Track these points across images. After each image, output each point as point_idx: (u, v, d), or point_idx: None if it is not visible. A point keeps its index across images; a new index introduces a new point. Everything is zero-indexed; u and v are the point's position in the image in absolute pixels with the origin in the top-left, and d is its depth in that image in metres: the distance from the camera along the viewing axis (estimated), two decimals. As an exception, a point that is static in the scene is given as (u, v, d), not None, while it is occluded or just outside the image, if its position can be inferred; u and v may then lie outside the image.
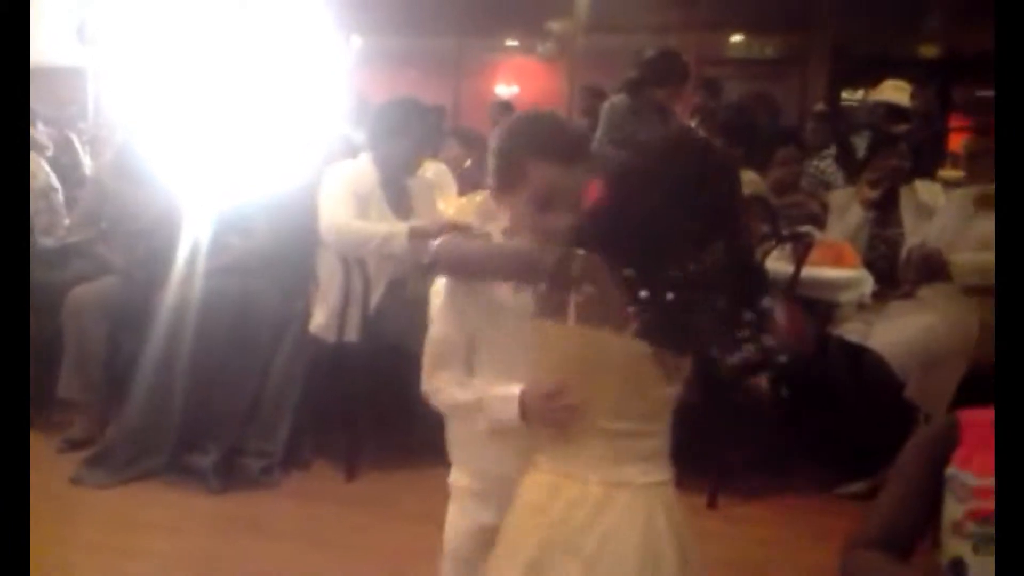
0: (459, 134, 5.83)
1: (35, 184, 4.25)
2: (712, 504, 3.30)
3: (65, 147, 5.84)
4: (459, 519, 1.76)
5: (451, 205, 4.27)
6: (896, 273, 3.82)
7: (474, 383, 1.66)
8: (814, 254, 3.62)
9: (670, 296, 1.46)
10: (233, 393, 3.53)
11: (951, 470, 1.50)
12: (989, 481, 1.44)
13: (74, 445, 3.64)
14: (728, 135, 4.58)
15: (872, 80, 7.00)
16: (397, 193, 3.64)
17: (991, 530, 1.43)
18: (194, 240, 3.60)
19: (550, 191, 1.62)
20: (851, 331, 3.64)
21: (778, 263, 3.63)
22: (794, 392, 3.91)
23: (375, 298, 3.54)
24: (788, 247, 3.72)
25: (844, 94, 10.02)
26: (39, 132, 5.55)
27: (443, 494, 1.79)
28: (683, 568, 1.54)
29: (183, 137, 3.91)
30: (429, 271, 1.76)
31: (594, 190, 1.65)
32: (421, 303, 1.76)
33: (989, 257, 3.07)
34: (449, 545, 1.77)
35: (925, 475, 1.54)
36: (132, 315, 3.65)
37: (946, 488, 1.51)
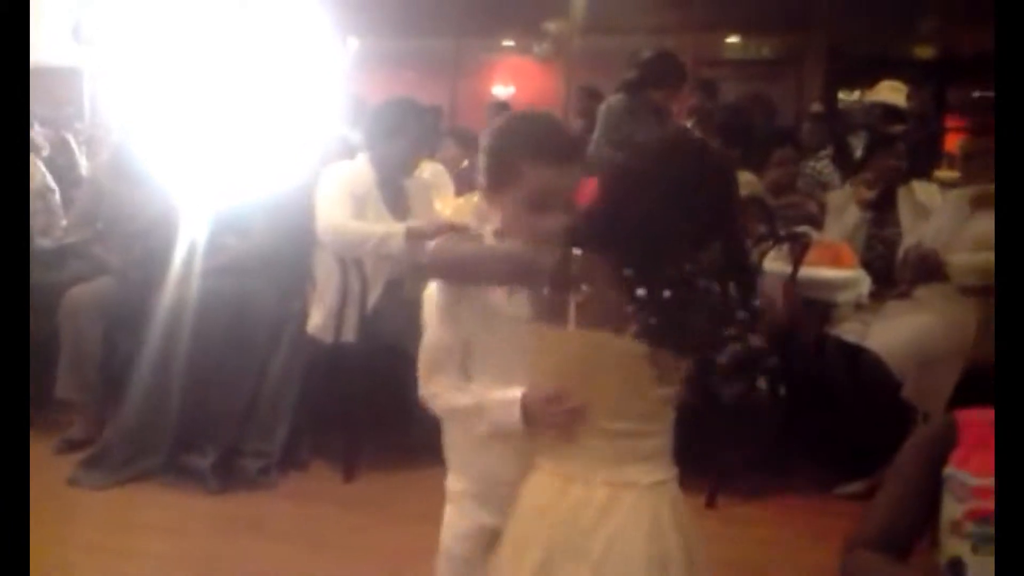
0: (456, 134, 5.83)
1: (32, 185, 4.25)
2: (711, 504, 3.31)
3: (61, 148, 5.83)
4: (458, 521, 1.75)
5: (448, 205, 4.27)
6: (893, 273, 3.83)
7: (472, 388, 1.64)
8: (811, 254, 3.63)
9: (668, 295, 1.47)
10: (230, 393, 3.52)
11: (949, 470, 1.51)
12: (987, 481, 1.45)
13: (71, 446, 3.64)
14: (725, 136, 4.59)
15: (868, 81, 7.02)
16: (394, 193, 3.64)
17: (989, 530, 1.43)
18: (191, 240, 3.59)
19: (543, 192, 1.61)
20: (849, 331, 3.65)
21: (775, 263, 3.64)
22: (792, 392, 3.92)
23: (372, 298, 3.54)
24: (785, 247, 3.73)
25: (840, 95, 10.03)
26: (35, 133, 5.54)
27: (441, 495, 1.78)
28: (690, 567, 1.55)
29: (179, 137, 3.91)
30: (424, 274, 1.75)
31: (592, 190, 1.65)
32: (418, 304, 1.74)
33: (985, 257, 3.08)
34: (446, 547, 1.76)
35: (923, 475, 1.54)
36: (129, 315, 3.65)
37: (944, 488, 1.51)
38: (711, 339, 1.57)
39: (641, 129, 4.51)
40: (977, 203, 3.59)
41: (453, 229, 2.97)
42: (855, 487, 3.44)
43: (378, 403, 3.54)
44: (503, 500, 1.64)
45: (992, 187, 3.50)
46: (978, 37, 8.85)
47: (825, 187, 5.24)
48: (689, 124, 5.34)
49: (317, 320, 3.63)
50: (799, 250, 3.60)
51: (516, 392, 1.58)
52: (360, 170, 3.60)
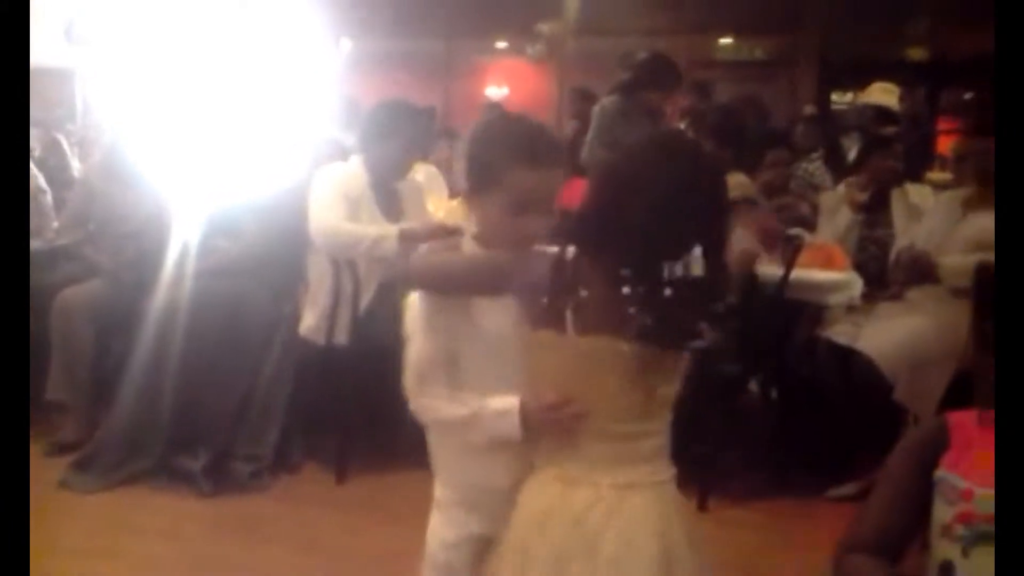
0: (449, 136, 5.83)
1: (24, 186, 4.23)
2: (703, 507, 3.30)
3: (53, 149, 5.81)
4: (446, 530, 1.73)
5: (441, 207, 4.27)
6: (886, 275, 3.84)
7: (466, 397, 1.62)
8: (804, 256, 3.63)
9: (669, 293, 1.47)
10: (222, 395, 3.52)
11: (940, 473, 1.51)
12: (977, 483, 1.45)
13: (62, 448, 3.62)
14: (717, 137, 4.59)
15: (861, 83, 7.04)
16: (387, 195, 3.64)
17: (980, 533, 1.43)
18: (183, 242, 3.59)
19: (525, 195, 1.60)
20: (840, 333, 3.65)
21: (768, 266, 3.64)
22: (783, 394, 3.93)
23: (365, 300, 3.54)
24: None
25: (833, 96, 10.07)
26: (27, 134, 5.53)
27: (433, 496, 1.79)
28: (695, 564, 1.57)
29: (172, 139, 3.90)
30: (406, 284, 1.73)
31: (580, 191, 1.65)
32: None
33: (977, 259, 3.08)
34: (432, 555, 1.74)
35: (915, 478, 1.54)
36: (120, 317, 3.64)
37: (935, 491, 1.51)
38: (695, 334, 1.57)
39: (635, 131, 4.51)
40: (969, 205, 3.60)
41: (446, 231, 2.98)
42: (847, 489, 3.45)
43: (370, 405, 3.54)
44: (493, 508, 1.64)
45: (983, 189, 3.53)
46: (970, 39, 8.89)
47: (817, 189, 5.26)
48: (682, 125, 5.35)
49: (310, 322, 3.62)
50: (791, 252, 3.60)
51: (513, 400, 1.57)
52: (353, 172, 3.60)
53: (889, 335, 3.51)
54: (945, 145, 7.38)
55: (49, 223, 4.36)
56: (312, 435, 3.72)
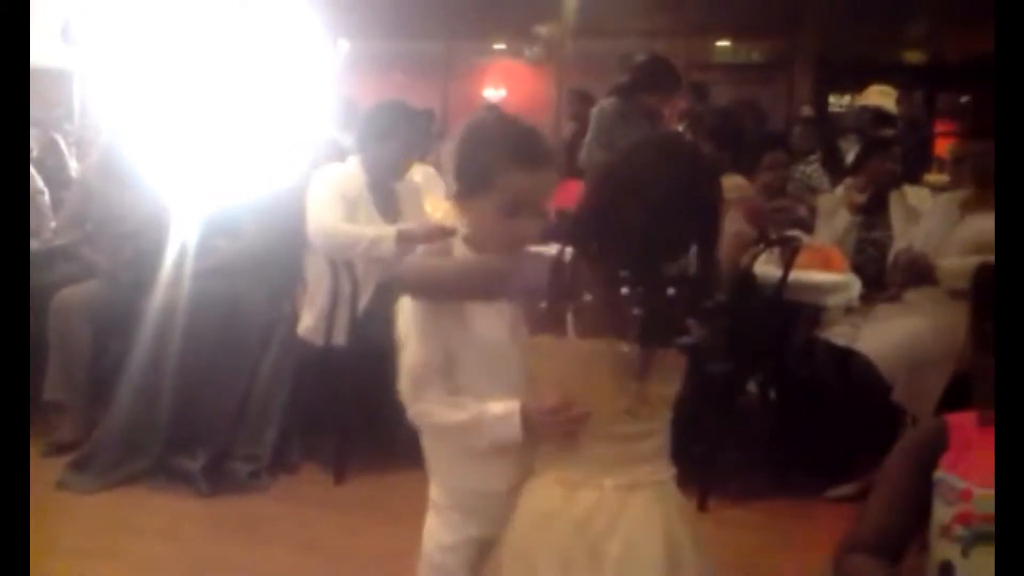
0: (448, 137, 5.83)
1: (21, 186, 4.23)
2: (702, 507, 3.30)
3: (51, 149, 5.81)
4: (443, 533, 1.71)
5: (439, 208, 4.27)
6: (884, 276, 3.84)
7: (464, 402, 1.61)
8: (802, 258, 3.63)
9: (671, 293, 1.47)
10: (220, 396, 3.51)
11: (939, 474, 1.51)
12: (976, 484, 1.45)
13: (60, 448, 3.61)
14: (715, 139, 4.59)
15: (858, 85, 7.06)
16: (385, 196, 3.64)
17: (979, 533, 1.43)
18: (181, 242, 3.59)
19: (518, 197, 1.59)
20: (839, 335, 3.65)
21: (766, 267, 3.64)
22: (782, 395, 3.94)
23: (363, 301, 3.53)
24: (776, 251, 3.74)
25: (831, 99, 10.08)
26: (25, 134, 5.52)
27: (432, 497, 1.79)
28: (701, 560, 1.58)
29: (170, 139, 3.90)
30: (397, 290, 1.71)
31: (583, 191, 1.65)
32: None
33: (975, 261, 3.09)
34: (429, 557, 1.73)
35: (914, 479, 1.54)
36: (118, 317, 3.64)
37: (934, 491, 1.51)
38: (682, 330, 1.57)
39: (633, 133, 4.52)
40: (967, 207, 3.60)
41: (444, 232, 2.98)
42: (845, 490, 3.45)
43: (368, 405, 3.54)
44: (490, 511, 1.64)
45: (981, 191, 3.54)
46: (967, 42, 8.91)
47: (815, 191, 5.27)
48: (680, 128, 5.35)
49: (308, 322, 3.62)
50: (790, 254, 3.61)
51: (514, 404, 1.57)
52: (351, 173, 3.60)
53: (887, 336, 3.51)
54: (942, 148, 7.40)
55: (47, 223, 4.35)
56: (311, 435, 3.71)
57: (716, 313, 1.55)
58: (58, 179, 5.16)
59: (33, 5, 2.12)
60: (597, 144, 4.79)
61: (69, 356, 3.70)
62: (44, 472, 3.39)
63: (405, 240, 3.33)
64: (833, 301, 3.69)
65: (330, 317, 3.54)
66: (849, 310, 3.77)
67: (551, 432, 1.57)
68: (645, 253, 1.50)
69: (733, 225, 3.51)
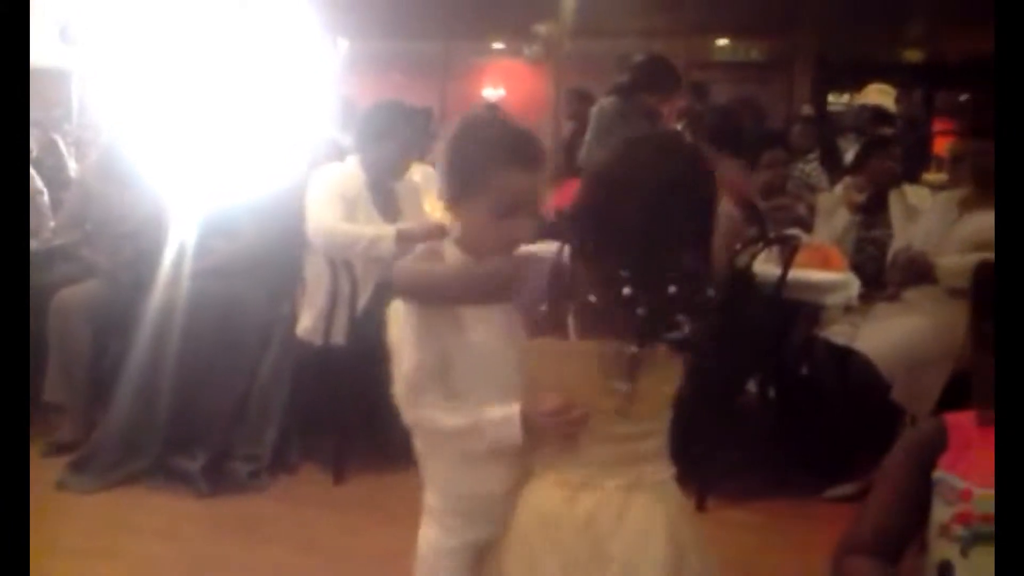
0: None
1: (21, 187, 4.23)
2: (701, 507, 3.31)
3: (50, 149, 5.80)
4: (441, 540, 1.69)
5: (438, 208, 4.26)
6: (883, 275, 3.85)
7: (464, 406, 1.60)
8: (801, 257, 3.63)
9: (673, 291, 1.47)
10: (220, 396, 3.51)
11: (939, 473, 1.51)
12: (976, 484, 1.45)
13: (59, 449, 3.61)
14: (715, 138, 4.59)
15: (857, 84, 7.06)
16: (384, 196, 3.64)
17: (978, 533, 1.43)
18: (180, 242, 3.59)
19: (513, 198, 1.58)
20: (838, 333, 3.66)
21: (765, 265, 3.64)
22: (781, 394, 3.94)
23: (362, 301, 3.53)
24: (775, 249, 3.74)
25: (830, 98, 10.08)
26: (23, 134, 5.51)
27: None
28: (704, 559, 1.58)
29: (169, 139, 3.90)
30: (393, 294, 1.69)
31: (580, 190, 1.65)
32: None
33: (974, 259, 3.09)
34: (426, 563, 1.71)
35: (913, 479, 1.54)
36: (117, 317, 3.64)
37: (934, 491, 1.51)
38: (674, 325, 1.56)
39: (633, 132, 4.52)
40: (965, 205, 3.60)
41: (443, 231, 2.98)
42: (844, 489, 3.45)
43: (367, 405, 3.53)
44: (487, 514, 1.63)
45: (980, 190, 3.54)
46: (966, 41, 8.91)
47: (813, 189, 5.27)
48: (679, 126, 5.35)
49: (307, 322, 3.62)
50: (789, 252, 3.61)
51: (514, 407, 1.56)
52: (350, 172, 3.60)
53: (886, 335, 3.51)
54: (941, 147, 7.40)
55: (46, 223, 4.35)
56: (310, 435, 3.71)
57: (710, 308, 1.54)
58: (57, 179, 5.15)
59: (32, 5, 2.12)
60: (597, 143, 4.78)
61: (68, 356, 3.70)
62: (44, 472, 3.39)
63: (404, 239, 3.33)
64: (832, 300, 3.69)
65: (329, 317, 3.54)
66: (848, 309, 3.77)
67: (552, 434, 1.56)
68: (642, 250, 1.50)
69: (723, 209, 3.51)
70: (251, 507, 3.33)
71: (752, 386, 3.95)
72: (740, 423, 3.86)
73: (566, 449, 1.57)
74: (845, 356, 3.55)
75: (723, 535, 3.07)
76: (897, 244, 3.88)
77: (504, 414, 1.56)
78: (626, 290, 1.47)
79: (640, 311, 1.47)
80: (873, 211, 4.20)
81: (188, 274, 3.54)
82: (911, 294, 3.65)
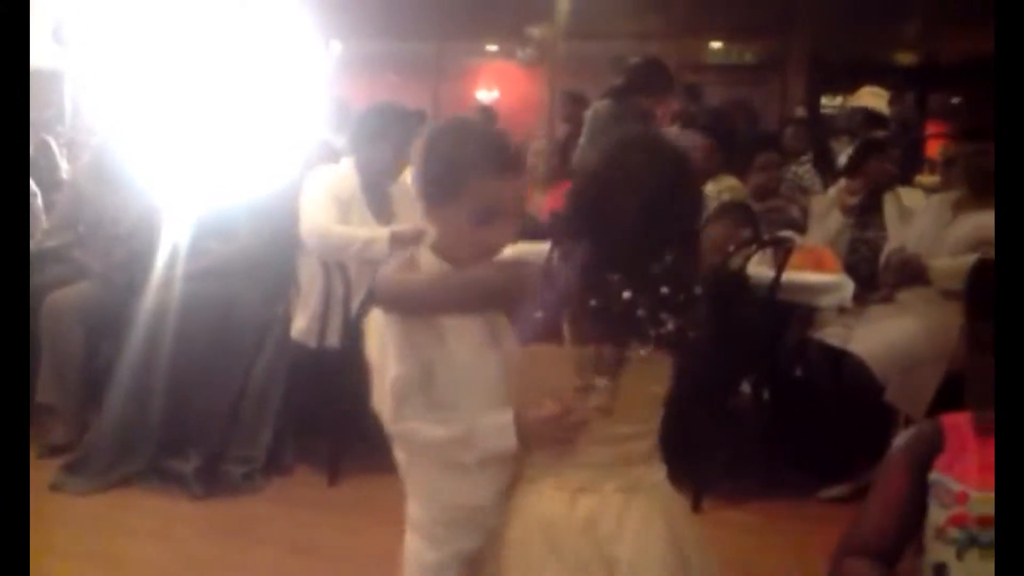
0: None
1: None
2: (696, 508, 3.31)
3: (43, 151, 5.78)
4: (429, 552, 1.65)
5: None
6: (877, 276, 3.86)
7: (451, 416, 1.57)
8: (794, 258, 3.64)
9: (665, 291, 1.47)
10: (213, 398, 3.50)
11: (934, 475, 1.51)
12: (971, 487, 1.45)
13: (53, 451, 3.60)
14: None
15: (850, 86, 7.08)
16: (378, 198, 3.64)
17: (974, 535, 1.44)
18: (173, 244, 3.58)
19: (493, 204, 1.56)
20: (832, 335, 3.66)
21: (759, 267, 3.65)
22: (775, 396, 3.94)
23: (356, 303, 3.53)
24: (769, 251, 3.75)
25: (823, 100, 10.11)
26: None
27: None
28: (705, 557, 1.59)
29: (161, 140, 3.89)
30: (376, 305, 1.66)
31: (569, 193, 1.65)
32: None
33: (966, 261, 3.10)
34: None
35: (910, 481, 1.54)
36: (110, 319, 3.63)
37: (930, 493, 1.51)
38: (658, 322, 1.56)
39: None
40: (959, 207, 3.61)
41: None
42: (838, 490, 3.46)
43: (362, 407, 3.52)
44: (477, 522, 1.62)
45: (972, 192, 3.55)
46: (959, 43, 8.94)
47: (806, 192, 5.29)
48: (674, 128, 5.35)
49: (301, 324, 3.62)
50: (782, 254, 3.62)
51: (507, 413, 1.55)
52: (344, 174, 3.60)
53: (880, 337, 3.52)
54: (934, 149, 7.42)
55: (39, 225, 4.33)
56: (304, 437, 3.71)
57: (699, 306, 1.54)
58: (50, 181, 5.14)
59: (25, 7, 2.11)
60: (591, 146, 4.79)
61: (61, 358, 3.69)
62: (37, 474, 3.33)
63: (398, 242, 3.33)
64: (826, 302, 3.70)
65: (323, 319, 3.54)
66: (842, 310, 3.77)
67: (549, 440, 1.55)
68: (631, 250, 1.50)
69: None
70: (245, 509, 3.33)
71: (746, 387, 3.96)
72: (734, 424, 3.86)
73: (562, 453, 1.56)
74: (839, 357, 3.55)
75: (719, 536, 3.05)
76: (891, 246, 3.89)
77: (498, 422, 1.55)
78: (626, 294, 1.47)
79: (640, 313, 1.47)
80: (867, 213, 4.21)
81: (181, 276, 3.53)
82: (905, 296, 3.66)
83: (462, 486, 1.62)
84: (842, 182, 4.50)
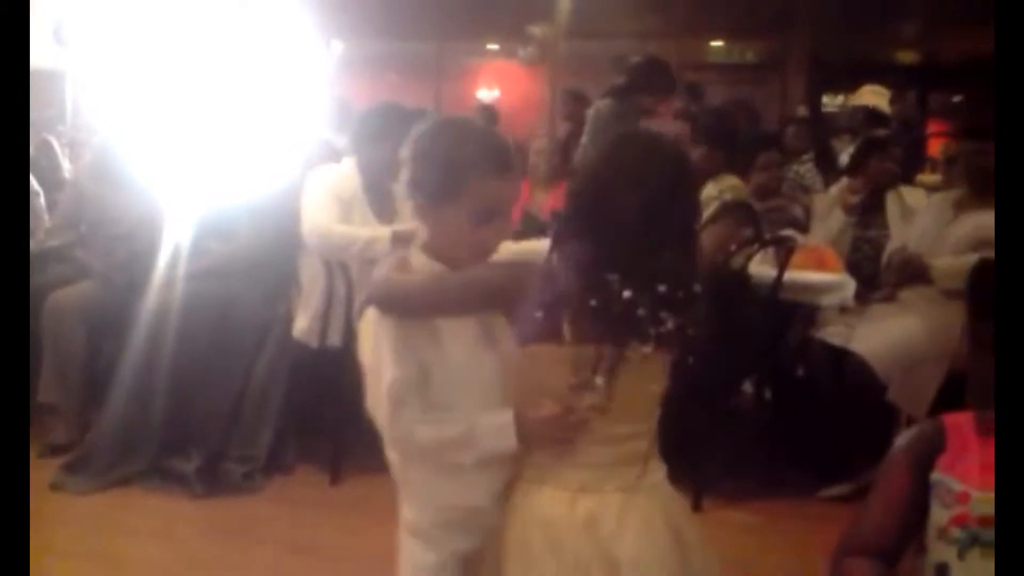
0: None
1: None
2: (696, 507, 3.31)
3: (44, 150, 5.78)
4: (426, 555, 1.64)
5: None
6: (879, 275, 3.85)
7: (449, 417, 1.56)
8: (796, 258, 3.64)
9: (663, 289, 1.47)
10: (215, 397, 3.51)
11: (936, 475, 1.51)
12: (973, 486, 1.45)
13: (54, 450, 3.60)
14: (710, 140, 4.60)
15: (851, 85, 7.07)
16: (380, 197, 3.64)
17: (975, 535, 1.44)
18: (175, 243, 3.58)
19: (490, 204, 1.56)
20: (833, 334, 3.66)
21: (761, 267, 3.65)
22: (777, 395, 3.94)
23: (358, 302, 3.53)
24: (771, 251, 3.75)
25: (824, 99, 10.10)
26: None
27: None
28: (705, 556, 1.59)
29: (163, 140, 3.89)
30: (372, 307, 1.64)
31: (568, 193, 1.65)
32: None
33: (968, 260, 3.10)
34: None
35: (912, 480, 1.54)
36: (112, 319, 3.63)
37: (932, 493, 1.51)
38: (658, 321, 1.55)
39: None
40: (960, 206, 3.61)
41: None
42: (840, 489, 3.45)
43: (363, 406, 3.53)
44: (474, 523, 1.62)
45: (974, 191, 3.55)
46: (960, 42, 8.93)
47: (808, 191, 5.28)
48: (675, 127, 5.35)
49: (302, 324, 3.62)
50: (784, 253, 3.62)
51: (507, 414, 1.54)
52: (346, 174, 3.60)
53: (882, 336, 3.52)
54: (935, 148, 7.41)
55: (40, 224, 4.34)
56: (305, 436, 3.71)
57: (698, 304, 1.54)
58: (52, 180, 5.14)
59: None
60: (593, 145, 4.79)
61: (63, 358, 3.70)
62: (38, 474, 3.35)
63: (400, 241, 3.32)
64: (828, 301, 3.70)
65: (325, 318, 3.54)
66: (844, 310, 3.77)
67: (550, 440, 1.55)
68: (630, 250, 1.50)
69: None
70: (246, 508, 3.33)
71: (748, 387, 3.96)
72: (736, 424, 3.86)
73: (561, 453, 1.56)
74: (841, 357, 3.55)
75: (720, 535, 3.06)
76: (893, 245, 3.88)
77: (498, 422, 1.54)
78: (626, 293, 1.47)
79: (641, 312, 1.47)
80: (869, 212, 4.21)
81: (183, 275, 3.54)
82: (906, 295, 3.66)
83: (458, 487, 1.62)
84: (844, 181, 4.49)
